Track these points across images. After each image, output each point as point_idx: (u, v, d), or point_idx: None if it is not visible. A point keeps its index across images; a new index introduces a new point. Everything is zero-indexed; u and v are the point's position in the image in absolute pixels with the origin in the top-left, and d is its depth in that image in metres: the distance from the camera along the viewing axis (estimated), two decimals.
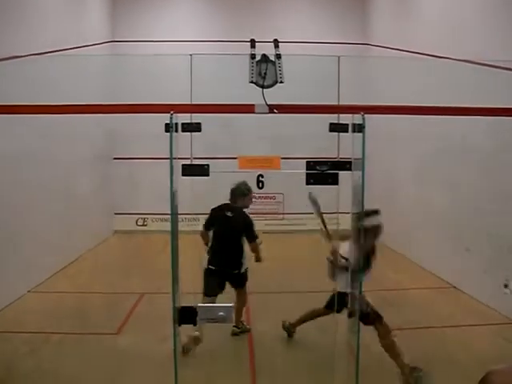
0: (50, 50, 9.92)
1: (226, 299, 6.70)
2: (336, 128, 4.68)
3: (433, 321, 8.07)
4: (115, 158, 15.80)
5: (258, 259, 7.41)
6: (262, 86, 4.22)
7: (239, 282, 7.32)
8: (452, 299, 9.20)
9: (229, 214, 7.24)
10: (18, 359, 6.56)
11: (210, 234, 7.37)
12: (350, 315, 4.64)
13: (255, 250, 7.34)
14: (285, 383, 6.14)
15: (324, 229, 6.25)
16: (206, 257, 7.25)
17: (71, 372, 6.28)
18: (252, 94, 4.24)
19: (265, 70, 4.21)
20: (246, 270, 7.32)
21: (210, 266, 7.15)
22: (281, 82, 4.22)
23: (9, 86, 8.10)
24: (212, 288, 6.98)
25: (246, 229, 7.24)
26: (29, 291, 9.37)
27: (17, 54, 8.35)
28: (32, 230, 9.41)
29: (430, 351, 6.87)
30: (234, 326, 7.39)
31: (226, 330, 7.28)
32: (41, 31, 10.27)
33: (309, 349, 6.85)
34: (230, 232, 7.19)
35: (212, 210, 7.48)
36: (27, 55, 8.66)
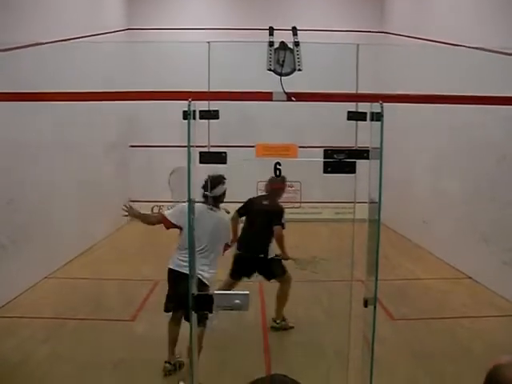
0: (67, 38, 9.94)
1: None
2: (354, 116, 4.62)
3: (447, 311, 8.04)
4: (131, 146, 15.83)
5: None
6: (280, 74, 4.19)
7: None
8: (467, 290, 9.14)
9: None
10: (34, 345, 6.62)
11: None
12: (366, 304, 4.61)
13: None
14: (298, 372, 6.13)
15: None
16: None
17: (86, 358, 6.32)
18: (270, 82, 4.22)
19: (283, 58, 4.17)
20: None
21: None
22: (299, 70, 4.18)
23: (25, 73, 8.13)
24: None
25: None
26: (46, 277, 9.43)
27: (33, 41, 8.36)
28: (49, 216, 9.47)
29: (443, 341, 6.86)
30: (273, 320, 7.40)
31: (242, 317, 7.25)
32: (57, 19, 10.26)
33: (323, 338, 6.84)
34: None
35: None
36: (44, 43, 8.67)
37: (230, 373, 5.98)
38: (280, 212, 7.26)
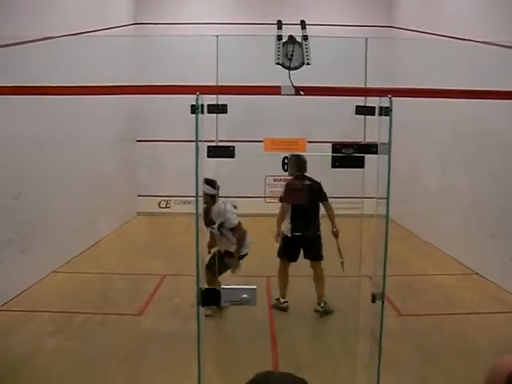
0: (75, 32, 9.92)
1: None
2: (362, 111, 4.60)
3: (455, 307, 8.01)
4: (139, 141, 15.82)
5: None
6: (289, 68, 4.17)
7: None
8: (475, 286, 9.10)
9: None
10: (41, 339, 6.63)
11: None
12: (374, 299, 4.60)
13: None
14: (306, 366, 6.12)
15: None
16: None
17: (94, 352, 6.33)
18: (278, 76, 4.20)
19: (291, 52, 4.16)
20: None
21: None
22: (307, 64, 4.16)
23: (33, 67, 8.11)
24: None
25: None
26: (53, 271, 9.44)
27: (41, 36, 8.35)
28: (57, 211, 9.46)
29: (450, 337, 6.84)
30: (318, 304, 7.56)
31: (249, 310, 7.23)
32: (65, 14, 10.25)
33: (331, 333, 6.83)
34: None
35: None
36: (51, 37, 8.66)
37: (237, 368, 5.97)
38: (321, 187, 7.73)
